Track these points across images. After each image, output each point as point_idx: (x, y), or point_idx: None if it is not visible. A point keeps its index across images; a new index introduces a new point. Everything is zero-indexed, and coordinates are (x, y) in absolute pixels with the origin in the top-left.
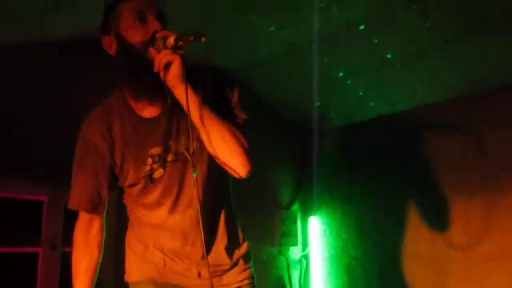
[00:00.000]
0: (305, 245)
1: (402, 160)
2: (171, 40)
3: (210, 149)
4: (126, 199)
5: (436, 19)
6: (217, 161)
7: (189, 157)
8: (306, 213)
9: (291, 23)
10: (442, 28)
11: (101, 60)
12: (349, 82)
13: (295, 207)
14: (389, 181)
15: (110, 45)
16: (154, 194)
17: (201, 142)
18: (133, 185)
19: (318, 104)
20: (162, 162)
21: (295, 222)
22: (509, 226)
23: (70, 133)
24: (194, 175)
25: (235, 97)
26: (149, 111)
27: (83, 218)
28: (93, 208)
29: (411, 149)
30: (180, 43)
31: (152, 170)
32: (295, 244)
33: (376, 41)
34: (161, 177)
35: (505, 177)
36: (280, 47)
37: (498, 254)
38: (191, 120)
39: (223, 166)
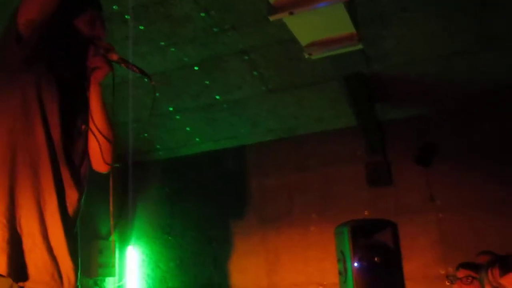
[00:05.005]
0: (122, 275)
1: (221, 196)
2: (114, 56)
3: (97, 136)
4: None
5: (262, 70)
6: (92, 149)
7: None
8: (124, 243)
9: (127, 56)
10: (267, 79)
11: None
12: (178, 117)
13: (114, 237)
14: (209, 215)
15: (56, 22)
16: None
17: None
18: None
19: (145, 135)
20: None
21: (113, 253)
22: (312, 256)
23: None
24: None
25: None
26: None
27: None
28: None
29: (230, 186)
30: (122, 64)
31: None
32: (113, 274)
33: (207, 82)
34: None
35: (309, 213)
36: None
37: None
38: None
39: (96, 155)
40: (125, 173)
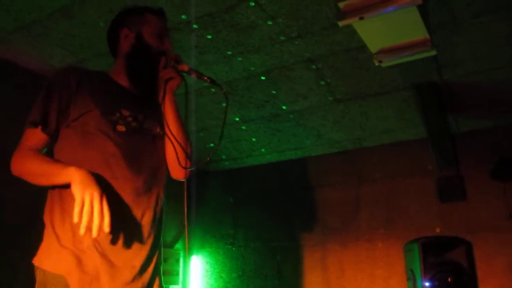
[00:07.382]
0: (185, 284)
1: (285, 207)
2: (184, 67)
3: (173, 143)
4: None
5: (329, 79)
6: (169, 156)
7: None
8: (188, 252)
9: (193, 64)
10: (333, 88)
11: None
12: (243, 127)
13: (178, 245)
14: (272, 226)
15: (126, 36)
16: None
17: (161, 135)
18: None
19: (211, 145)
20: (127, 122)
21: (177, 261)
22: (378, 273)
23: None
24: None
25: None
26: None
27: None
28: (49, 131)
29: (295, 197)
30: (192, 74)
31: (118, 122)
32: (176, 282)
33: (274, 92)
34: (122, 133)
35: (376, 228)
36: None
37: None
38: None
39: (173, 162)
40: (189, 182)
